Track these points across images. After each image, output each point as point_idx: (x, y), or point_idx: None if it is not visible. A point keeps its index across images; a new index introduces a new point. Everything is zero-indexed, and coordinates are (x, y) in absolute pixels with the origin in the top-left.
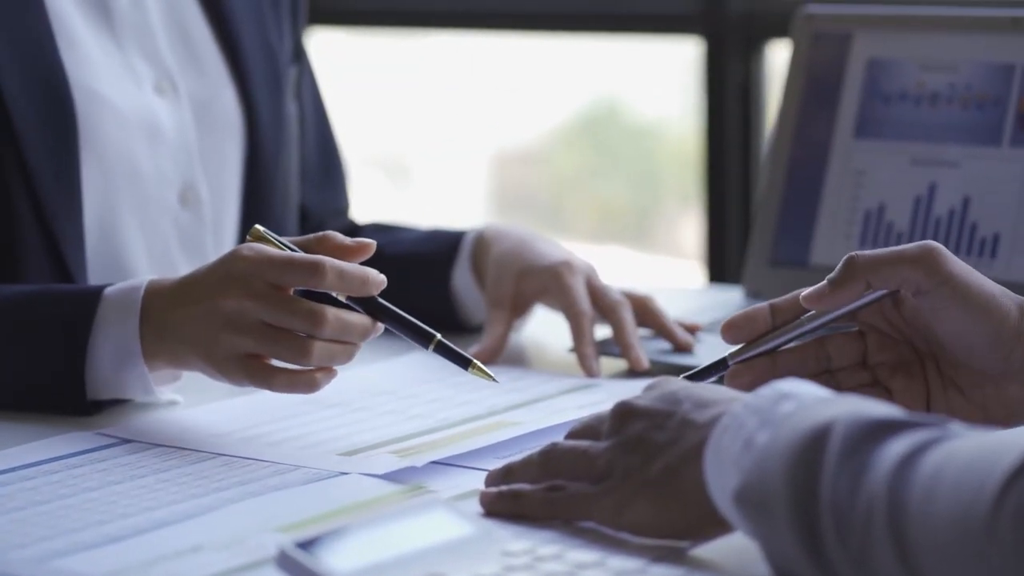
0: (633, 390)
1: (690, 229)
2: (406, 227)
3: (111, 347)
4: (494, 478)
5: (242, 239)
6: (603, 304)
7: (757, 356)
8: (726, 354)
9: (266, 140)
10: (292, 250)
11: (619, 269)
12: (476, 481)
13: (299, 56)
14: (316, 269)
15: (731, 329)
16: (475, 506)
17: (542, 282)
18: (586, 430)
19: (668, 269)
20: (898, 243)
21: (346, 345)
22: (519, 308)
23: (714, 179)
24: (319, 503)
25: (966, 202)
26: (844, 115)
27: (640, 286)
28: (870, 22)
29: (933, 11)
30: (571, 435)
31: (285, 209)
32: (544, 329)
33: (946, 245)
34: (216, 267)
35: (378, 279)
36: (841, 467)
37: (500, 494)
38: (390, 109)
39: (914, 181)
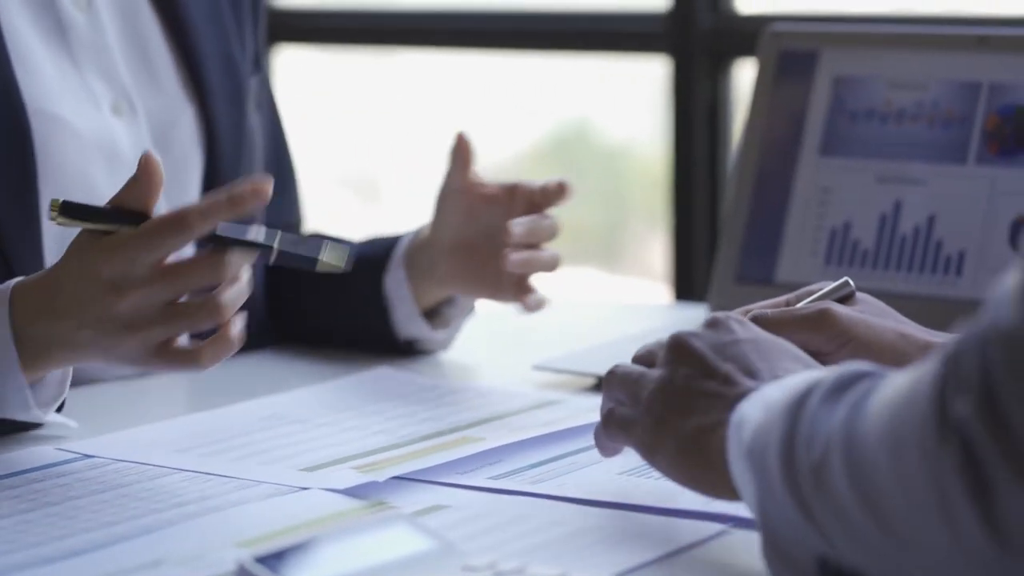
0: (595, 406)
1: (660, 251)
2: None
3: None
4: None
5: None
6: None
7: None
8: None
9: (225, 155)
10: (105, 211)
11: (589, 290)
12: (438, 496)
13: (259, 65)
14: (183, 222)
15: None
16: (436, 521)
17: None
18: (647, 356)
19: (637, 290)
20: (863, 261)
21: (237, 284)
22: None
23: (681, 197)
24: (280, 518)
25: (932, 220)
26: (810, 132)
27: (608, 303)
28: (837, 40)
29: (900, 29)
30: (634, 359)
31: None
32: (507, 346)
33: (911, 263)
34: (79, 272)
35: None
36: (821, 402)
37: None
38: (360, 129)
39: (880, 199)
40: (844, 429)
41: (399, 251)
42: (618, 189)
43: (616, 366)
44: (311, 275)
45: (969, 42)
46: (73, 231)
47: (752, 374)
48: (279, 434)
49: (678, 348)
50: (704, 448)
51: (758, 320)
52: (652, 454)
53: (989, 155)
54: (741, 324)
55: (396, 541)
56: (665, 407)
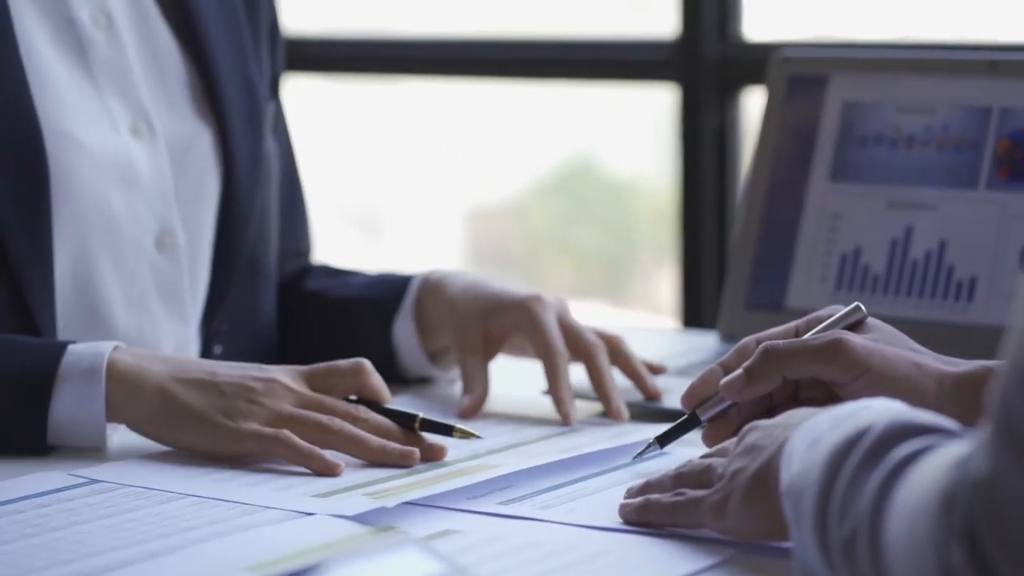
0: (614, 434)
1: (667, 286)
2: (355, 272)
3: (71, 404)
4: (632, 492)
5: (215, 278)
6: (578, 346)
7: (725, 408)
8: (695, 410)
9: (242, 178)
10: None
11: (596, 324)
12: (448, 522)
13: (275, 91)
14: (358, 369)
15: (691, 397)
16: (447, 546)
17: (513, 319)
18: (720, 450)
19: (645, 325)
20: (874, 286)
21: (372, 438)
22: (490, 350)
23: (689, 224)
24: (289, 543)
25: (943, 245)
26: (820, 158)
27: (612, 327)
28: (846, 65)
29: (909, 54)
30: (705, 455)
31: (260, 245)
32: (517, 371)
33: (922, 289)
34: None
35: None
36: (858, 467)
37: (634, 505)
38: (364, 161)
39: (890, 224)
40: (872, 514)
41: (408, 300)
42: (625, 223)
43: (687, 462)
44: (323, 312)
45: (979, 67)
46: (87, 255)
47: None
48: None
49: (750, 427)
50: (765, 486)
51: (769, 351)
52: (722, 513)
53: (1000, 180)
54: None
55: (406, 565)
56: (735, 468)
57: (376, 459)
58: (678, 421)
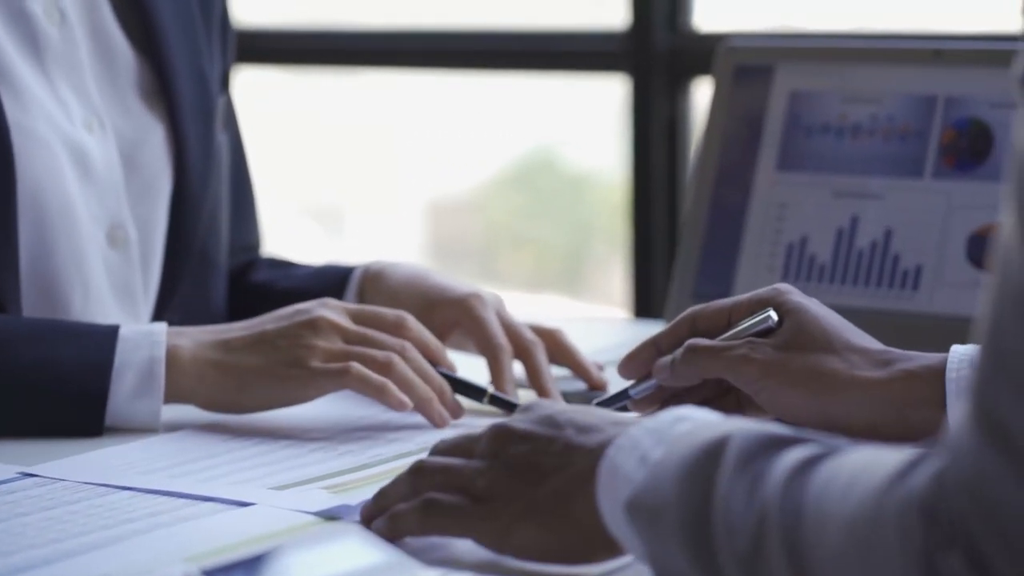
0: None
1: (622, 278)
2: (300, 264)
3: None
4: (369, 509)
5: (166, 272)
6: (516, 343)
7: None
8: (628, 386)
9: (194, 173)
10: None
11: (554, 317)
12: None
13: (226, 85)
14: (400, 322)
15: (625, 366)
16: None
17: (453, 316)
18: (456, 448)
19: (595, 315)
20: (820, 275)
21: (422, 384)
22: None
23: (640, 215)
24: (230, 533)
25: (888, 234)
26: (766, 147)
27: (555, 318)
28: (792, 55)
29: (855, 43)
30: (439, 452)
31: (211, 238)
32: (467, 363)
33: (868, 278)
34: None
35: (446, 359)
36: (736, 477)
37: (379, 525)
38: (323, 155)
39: (836, 213)
40: (784, 525)
41: (350, 292)
42: (582, 217)
43: (425, 459)
44: (269, 303)
45: (924, 56)
46: (46, 246)
47: (591, 430)
48: (246, 455)
49: (504, 435)
50: (569, 509)
51: (692, 350)
52: (507, 539)
53: (945, 169)
54: (554, 404)
55: (347, 554)
56: (509, 486)
57: (421, 408)
58: (613, 394)
